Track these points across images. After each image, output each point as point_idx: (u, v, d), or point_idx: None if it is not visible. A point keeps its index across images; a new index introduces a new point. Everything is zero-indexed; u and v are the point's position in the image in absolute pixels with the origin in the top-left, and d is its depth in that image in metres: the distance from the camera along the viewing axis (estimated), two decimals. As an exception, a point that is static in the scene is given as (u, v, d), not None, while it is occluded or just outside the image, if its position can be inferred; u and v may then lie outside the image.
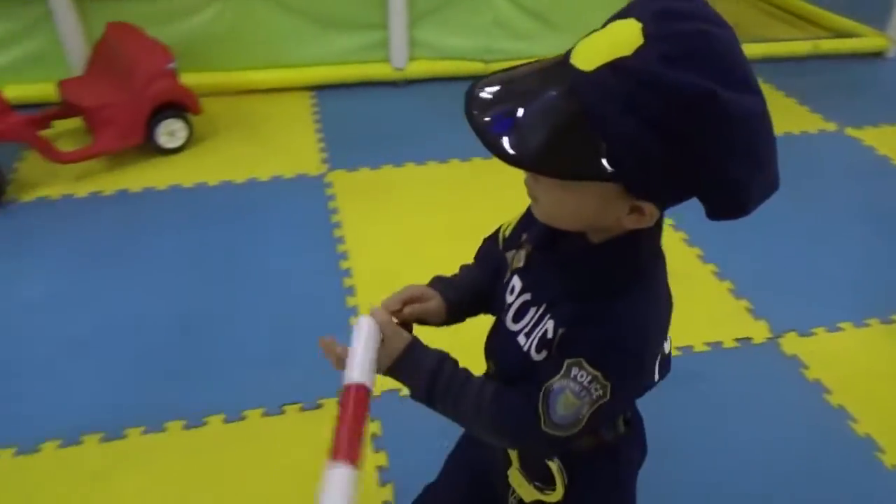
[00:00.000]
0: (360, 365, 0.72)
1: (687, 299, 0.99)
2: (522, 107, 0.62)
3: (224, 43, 3.05)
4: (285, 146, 2.84)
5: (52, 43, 2.89)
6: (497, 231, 0.91)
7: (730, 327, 1.97)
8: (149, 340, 1.89)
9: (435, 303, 0.86)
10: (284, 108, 3.14)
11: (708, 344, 1.92)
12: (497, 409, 0.75)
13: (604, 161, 0.59)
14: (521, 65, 0.67)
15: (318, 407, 1.69)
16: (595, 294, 0.71)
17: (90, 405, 1.69)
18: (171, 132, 2.69)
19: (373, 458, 1.55)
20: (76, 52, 2.90)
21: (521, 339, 0.77)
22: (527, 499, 0.88)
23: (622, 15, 0.62)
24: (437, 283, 0.90)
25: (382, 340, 0.76)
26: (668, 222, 1.76)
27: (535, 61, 0.67)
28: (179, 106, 2.67)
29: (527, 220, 0.83)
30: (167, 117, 2.65)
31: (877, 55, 3.88)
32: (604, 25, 0.63)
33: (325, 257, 2.19)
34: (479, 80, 0.66)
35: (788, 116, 3.15)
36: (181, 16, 2.94)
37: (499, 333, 0.82)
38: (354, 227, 2.33)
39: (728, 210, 0.65)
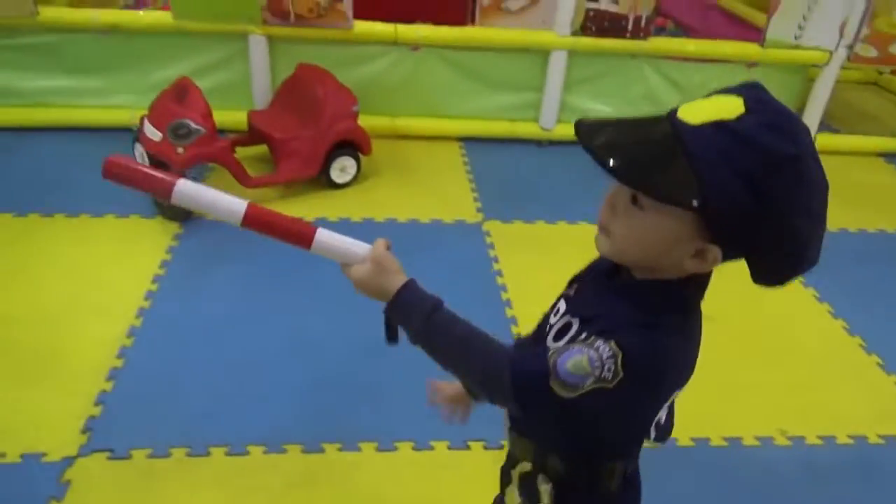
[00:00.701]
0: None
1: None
2: (633, 139, 0.73)
3: (393, 91, 3.25)
4: (441, 191, 2.99)
5: (241, 76, 3.17)
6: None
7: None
8: (337, 361, 2.01)
9: None
10: (437, 154, 3.31)
11: (882, 437, 1.90)
12: (507, 351, 0.80)
13: (693, 195, 0.69)
14: (631, 117, 0.77)
15: (501, 447, 1.77)
16: (629, 314, 0.77)
17: (289, 417, 1.81)
18: (342, 168, 2.88)
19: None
20: (261, 86, 3.16)
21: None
22: None
23: (725, 92, 0.73)
24: None
25: (379, 269, 0.87)
26: (811, 293, 1.77)
27: (647, 115, 0.77)
28: (354, 145, 2.86)
29: (581, 271, 0.92)
30: (341, 154, 2.85)
31: None
32: (707, 96, 0.74)
33: (489, 303, 2.30)
34: (592, 120, 0.76)
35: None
36: (360, 62, 3.17)
37: (542, 350, 0.85)
38: (516, 278, 2.43)
39: (782, 269, 0.76)
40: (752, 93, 0.71)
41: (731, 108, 0.69)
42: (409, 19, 3.17)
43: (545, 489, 0.87)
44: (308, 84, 2.81)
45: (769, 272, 0.77)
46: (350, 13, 3.04)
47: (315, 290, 2.31)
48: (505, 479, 0.96)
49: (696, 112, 0.71)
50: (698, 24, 4.22)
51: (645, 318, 0.76)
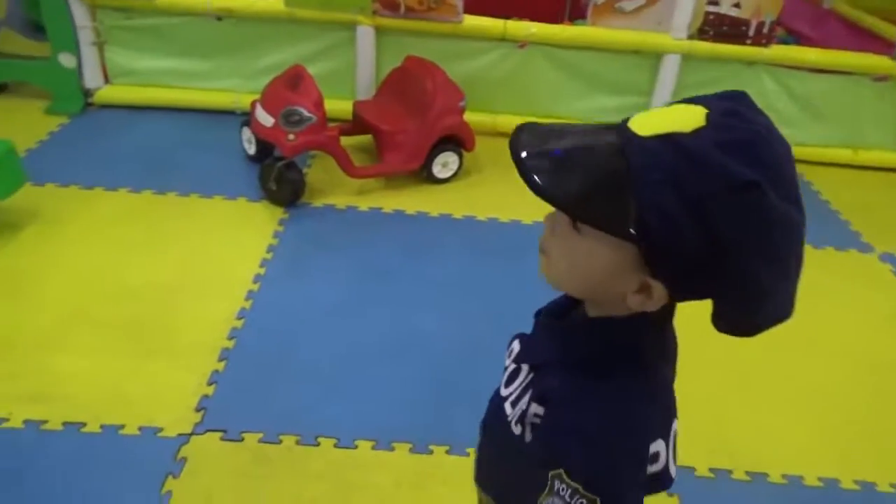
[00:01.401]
0: None
1: None
2: (567, 150, 0.62)
3: (495, 87, 3.20)
4: (542, 193, 2.91)
5: (345, 65, 3.17)
6: None
7: None
8: (443, 360, 1.97)
9: None
10: (537, 155, 3.23)
11: None
12: None
13: (630, 222, 0.59)
14: (578, 125, 0.68)
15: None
16: (582, 367, 0.68)
17: (397, 413, 1.78)
18: (444, 163, 2.84)
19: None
20: (365, 76, 3.16)
21: (508, 407, 0.76)
22: None
23: (690, 101, 0.62)
24: None
25: None
26: None
27: (592, 124, 0.68)
28: (458, 141, 2.82)
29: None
30: (445, 150, 2.81)
31: None
32: (670, 104, 0.64)
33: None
34: (528, 124, 0.66)
35: None
36: (465, 57, 3.13)
37: (493, 399, 0.82)
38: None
39: (740, 318, 0.64)
40: (723, 104, 0.61)
41: (689, 119, 0.59)
42: (503, 15, 3.10)
43: None
44: (417, 77, 2.78)
45: (726, 321, 0.65)
46: (461, 7, 3.00)
47: (420, 284, 2.28)
48: None
49: (649, 122, 0.61)
50: (812, 31, 4.02)
51: (598, 372, 0.68)
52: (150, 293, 2.11)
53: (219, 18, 3.11)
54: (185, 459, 1.60)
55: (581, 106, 3.30)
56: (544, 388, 0.71)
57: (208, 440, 1.66)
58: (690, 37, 3.07)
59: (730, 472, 1.73)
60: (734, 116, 0.60)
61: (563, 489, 0.65)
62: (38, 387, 1.75)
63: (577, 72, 3.22)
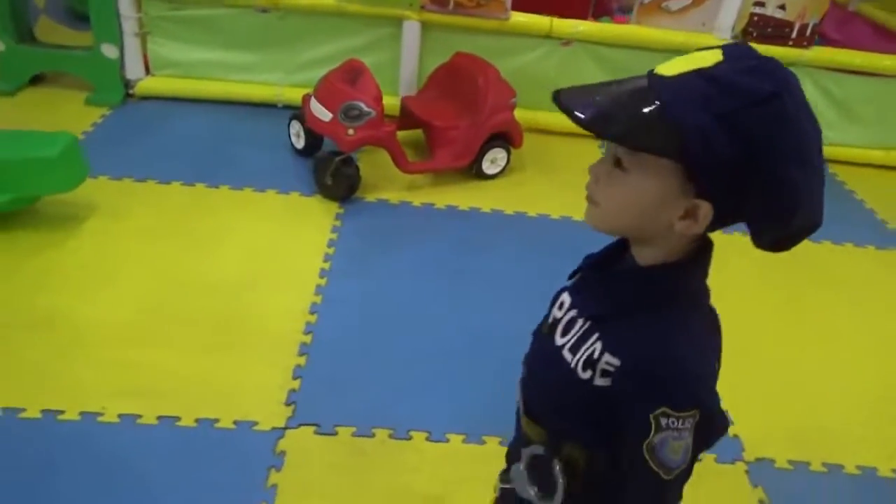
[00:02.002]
0: None
1: None
2: (607, 96, 0.72)
3: (537, 84, 3.19)
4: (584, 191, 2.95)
5: (389, 59, 3.17)
6: None
7: None
8: (508, 356, 2.00)
9: None
10: (578, 152, 3.21)
11: None
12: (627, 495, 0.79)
13: (674, 144, 0.67)
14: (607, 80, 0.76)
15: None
16: (647, 311, 0.75)
17: (480, 407, 1.80)
18: (493, 160, 2.87)
19: None
20: (409, 71, 3.17)
21: (567, 354, 0.81)
22: (521, 494, 0.90)
23: (710, 48, 0.70)
24: None
25: None
26: None
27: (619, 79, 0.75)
28: (507, 137, 2.85)
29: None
30: (495, 146, 2.83)
31: None
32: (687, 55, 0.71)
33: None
34: (564, 88, 0.74)
35: None
36: (508, 54, 3.15)
37: (542, 346, 0.87)
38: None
39: (780, 229, 0.71)
40: (733, 46, 0.70)
41: (707, 58, 0.68)
42: (531, 11, 3.11)
43: (559, 472, 0.85)
44: (468, 73, 2.80)
45: (768, 232, 0.73)
46: (509, 4, 3.01)
47: (481, 279, 2.31)
48: (514, 457, 0.94)
49: (673, 66, 0.70)
50: (837, 33, 4.07)
51: (675, 329, 0.75)
52: (222, 288, 2.12)
53: (264, 10, 3.10)
54: (284, 453, 1.62)
55: (621, 104, 3.33)
56: (615, 340, 0.77)
57: (303, 434, 1.68)
58: (734, 37, 3.11)
59: (808, 463, 1.78)
60: (744, 51, 0.69)
61: (671, 423, 0.73)
62: (128, 381, 1.76)
63: (618, 70, 3.24)
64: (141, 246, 2.27)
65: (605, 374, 0.77)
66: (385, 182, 2.78)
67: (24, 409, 1.66)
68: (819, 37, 3.83)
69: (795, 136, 0.67)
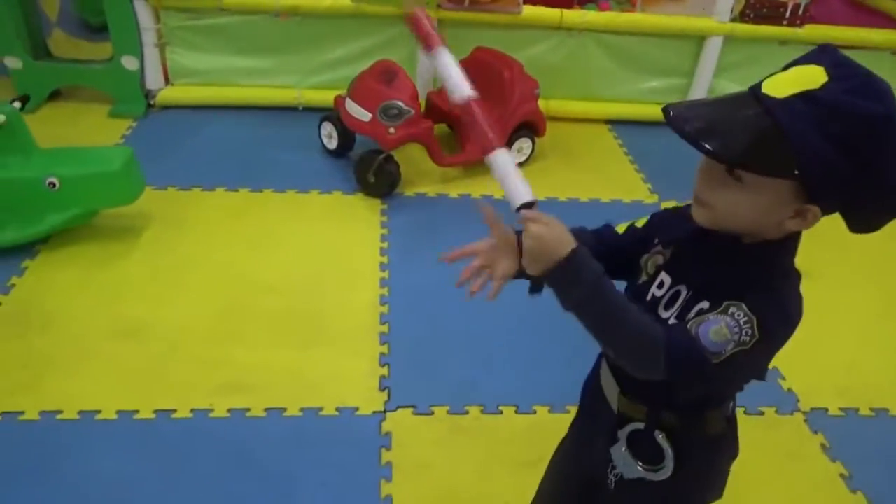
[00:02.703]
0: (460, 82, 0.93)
1: None
2: (724, 120, 0.76)
3: (548, 73, 3.34)
4: (608, 173, 3.11)
5: (406, 57, 3.26)
6: (607, 226, 1.02)
7: None
8: (574, 327, 2.14)
9: None
10: (591, 137, 3.42)
11: None
12: (657, 328, 0.81)
13: (792, 165, 0.73)
14: (714, 98, 0.83)
15: (760, 414, 1.91)
16: (750, 280, 0.81)
17: (557, 380, 1.93)
18: (520, 149, 3.00)
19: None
20: (426, 68, 3.26)
21: (673, 321, 0.86)
22: (628, 475, 0.96)
23: (802, 62, 0.77)
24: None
25: (556, 224, 0.83)
26: None
27: (726, 94, 0.81)
28: (532, 127, 2.98)
29: (656, 226, 0.96)
30: (521, 136, 2.96)
31: None
32: (785, 69, 0.77)
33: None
34: (677, 104, 0.80)
35: None
36: (521, 46, 3.27)
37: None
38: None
39: (876, 219, 0.80)
40: (829, 58, 0.75)
41: (813, 77, 0.73)
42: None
43: (663, 440, 0.93)
44: (493, 67, 2.91)
45: (866, 222, 0.81)
46: (521, -2, 3.14)
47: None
48: (606, 440, 0.99)
49: (781, 86, 0.74)
50: (816, 10, 4.27)
51: (766, 283, 0.82)
52: (290, 286, 2.22)
53: (279, 15, 3.17)
54: (390, 434, 1.74)
55: (630, 88, 3.49)
56: (717, 295, 0.82)
57: (403, 416, 1.80)
58: (732, 20, 3.28)
59: (856, 409, 1.97)
60: (845, 67, 0.74)
61: (738, 314, 0.79)
62: (226, 378, 1.86)
63: (626, 56, 3.40)
64: (202, 251, 2.34)
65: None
66: (419, 177, 2.89)
67: (137, 411, 1.74)
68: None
69: None
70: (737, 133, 0.74)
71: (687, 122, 0.76)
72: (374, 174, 2.66)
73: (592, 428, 1.06)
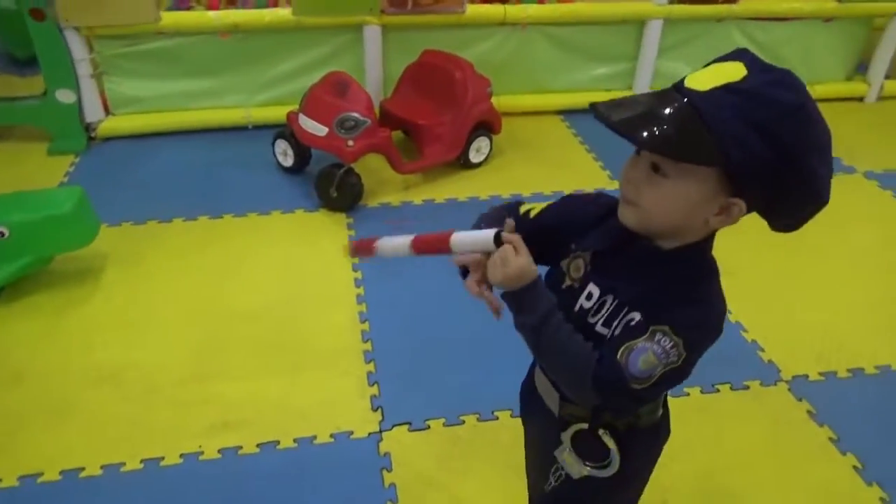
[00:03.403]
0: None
1: None
2: (650, 113, 0.78)
3: (497, 69, 3.34)
4: (566, 164, 3.13)
5: (353, 65, 3.21)
6: (517, 207, 1.02)
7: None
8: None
9: None
10: (544, 128, 3.44)
11: None
12: (590, 356, 0.85)
13: (717, 154, 0.75)
14: (638, 94, 0.84)
15: (746, 388, 1.95)
16: (675, 292, 0.84)
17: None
18: (478, 148, 3.00)
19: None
20: (375, 74, 3.24)
21: (600, 328, 0.89)
22: (575, 475, 1.00)
23: (722, 60, 0.79)
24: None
25: (501, 259, 0.85)
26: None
27: (650, 91, 0.87)
28: (488, 125, 2.98)
29: (569, 224, 0.95)
30: (478, 135, 2.96)
31: None
32: (706, 66, 0.80)
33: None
34: (606, 101, 0.81)
35: None
36: (470, 44, 3.26)
37: (574, 325, 0.89)
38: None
39: (799, 211, 0.82)
40: (748, 57, 0.78)
41: (734, 72, 0.76)
42: None
43: (608, 439, 0.96)
44: (443, 70, 2.90)
45: (789, 217, 0.83)
46: (464, -3, 3.13)
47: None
48: (552, 444, 1.02)
49: (703, 80, 0.77)
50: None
51: (690, 293, 0.84)
52: (266, 313, 2.16)
53: (223, 35, 3.09)
54: (389, 454, 1.72)
55: (578, 77, 3.52)
56: (656, 311, 0.83)
57: (399, 434, 1.78)
58: (671, 2, 3.34)
59: (834, 372, 2.03)
60: (762, 63, 0.77)
61: (664, 340, 0.81)
62: (212, 416, 1.80)
63: (572, 47, 3.43)
64: (169, 286, 2.27)
65: (626, 327, 0.86)
66: (380, 186, 2.85)
67: (123, 464, 1.67)
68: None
69: (818, 136, 0.78)
70: (662, 124, 0.76)
71: (614, 114, 0.78)
72: (336, 189, 2.62)
73: (534, 431, 1.11)
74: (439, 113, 2.86)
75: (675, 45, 3.51)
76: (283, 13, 3.05)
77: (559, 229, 0.96)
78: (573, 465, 0.99)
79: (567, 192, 2.93)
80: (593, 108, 0.79)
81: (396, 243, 0.99)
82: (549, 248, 0.95)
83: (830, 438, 1.82)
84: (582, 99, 3.54)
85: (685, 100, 0.77)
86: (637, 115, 0.78)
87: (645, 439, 1.01)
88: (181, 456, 1.70)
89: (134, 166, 2.98)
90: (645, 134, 0.76)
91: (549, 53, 3.43)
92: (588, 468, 0.98)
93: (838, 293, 2.38)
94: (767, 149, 0.75)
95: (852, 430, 1.84)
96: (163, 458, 1.69)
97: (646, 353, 0.82)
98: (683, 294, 0.84)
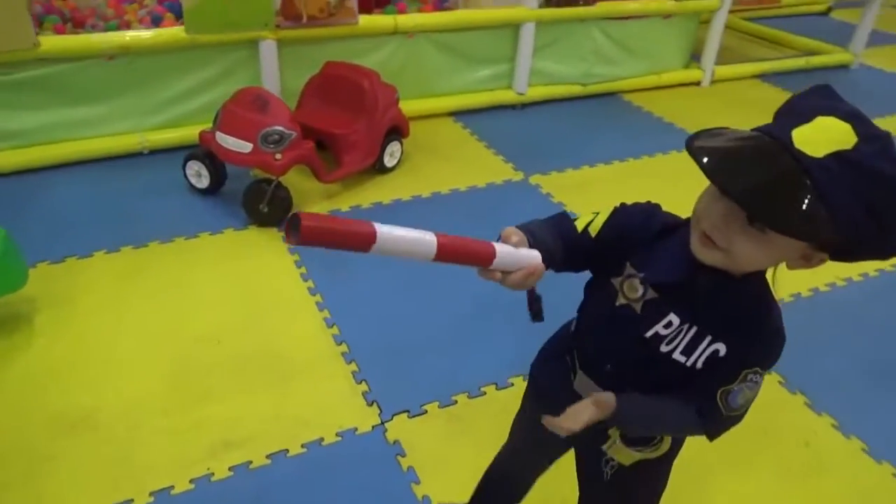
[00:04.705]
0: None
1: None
2: (757, 171, 0.75)
3: (395, 76, 3.47)
4: (471, 161, 3.34)
5: (250, 81, 3.20)
6: (569, 222, 0.99)
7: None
8: (514, 304, 2.34)
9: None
10: (441, 130, 3.63)
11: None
12: (695, 418, 0.94)
13: (827, 231, 0.74)
14: (730, 132, 0.82)
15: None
16: (749, 313, 0.89)
17: (513, 353, 2.12)
18: (391, 153, 3.12)
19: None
20: (272, 89, 3.22)
21: (679, 357, 0.92)
22: (626, 462, 1.05)
23: (821, 111, 0.76)
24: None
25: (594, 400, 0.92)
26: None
27: (740, 131, 0.81)
28: (398, 130, 3.11)
29: (623, 239, 0.94)
30: (391, 140, 3.08)
31: (844, 66, 5.00)
32: (808, 120, 0.76)
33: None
34: (704, 144, 0.79)
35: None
36: (363, 54, 3.37)
37: (637, 349, 0.94)
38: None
39: (867, 259, 0.82)
40: (847, 111, 0.76)
41: (844, 137, 0.74)
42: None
43: None
44: (349, 80, 2.98)
45: (856, 259, 0.82)
46: (356, 9, 3.22)
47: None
48: (600, 439, 1.06)
49: (815, 142, 0.74)
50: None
51: (766, 317, 0.89)
52: (231, 333, 2.14)
53: (110, 58, 2.95)
54: (398, 441, 1.80)
55: (464, 79, 3.75)
56: (730, 342, 0.90)
57: (401, 422, 1.87)
58: (541, 6, 3.67)
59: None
60: (862, 122, 0.75)
61: (755, 377, 0.91)
62: (213, 438, 1.78)
63: (456, 51, 3.65)
64: (114, 320, 2.17)
65: (711, 360, 0.91)
66: (303, 198, 2.88)
67: (132, 500, 1.62)
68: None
69: None
70: (779, 194, 0.73)
71: (724, 173, 0.76)
72: (267, 204, 2.62)
73: (592, 431, 1.06)
74: (353, 122, 2.94)
75: (546, 45, 3.85)
76: (175, 32, 2.97)
77: (615, 246, 0.95)
78: (625, 455, 1.05)
79: (481, 186, 3.21)
80: (693, 154, 0.77)
81: (411, 239, 0.76)
82: (603, 263, 0.97)
83: (806, 403, 2.08)
84: (470, 100, 3.79)
85: (800, 165, 0.74)
86: (747, 174, 0.75)
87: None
88: (191, 481, 1.67)
89: (29, 205, 2.76)
90: (763, 203, 0.73)
91: (437, 59, 3.62)
92: (640, 453, 1.04)
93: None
94: (872, 223, 0.75)
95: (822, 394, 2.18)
96: (172, 487, 1.65)
97: (742, 392, 0.90)
98: (761, 319, 0.89)
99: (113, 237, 2.56)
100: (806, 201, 0.73)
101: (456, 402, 1.94)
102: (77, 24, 3.28)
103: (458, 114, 3.78)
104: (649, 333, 0.93)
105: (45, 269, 2.39)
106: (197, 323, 2.18)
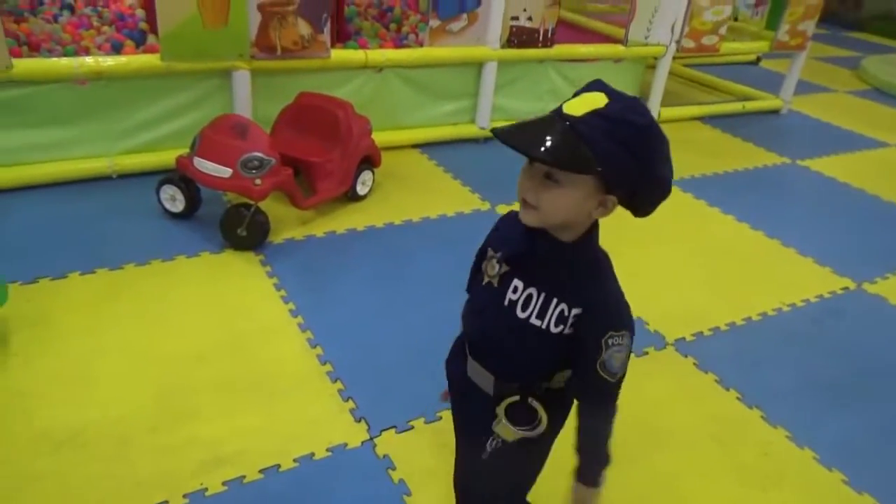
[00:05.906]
0: None
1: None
2: (544, 135, 0.97)
3: (364, 108, 3.57)
4: (439, 191, 3.46)
5: (221, 110, 3.24)
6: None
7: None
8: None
9: None
10: (407, 161, 3.75)
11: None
12: (601, 409, 1.15)
13: (593, 164, 0.96)
14: (528, 119, 1.01)
15: (645, 354, 2.39)
16: (583, 277, 1.08)
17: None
18: (364, 181, 3.21)
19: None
20: (248, 115, 3.29)
21: (535, 321, 1.09)
22: (510, 439, 1.17)
23: (586, 90, 1.00)
24: None
25: None
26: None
27: (536, 116, 1.01)
28: (371, 160, 3.21)
29: (494, 235, 1.19)
30: (364, 169, 3.17)
31: (775, 111, 5.40)
32: (576, 95, 1.00)
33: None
34: (504, 126, 1.00)
35: (751, 154, 4.43)
36: (334, 86, 3.47)
37: (502, 324, 1.13)
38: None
39: (651, 204, 1.05)
40: (605, 87, 0.99)
41: (598, 100, 0.97)
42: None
43: (537, 404, 1.17)
44: (324, 110, 3.07)
45: (644, 208, 1.05)
46: (328, 43, 3.33)
47: (420, 275, 2.67)
48: (488, 419, 1.19)
49: (577, 107, 0.97)
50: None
51: (598, 275, 1.09)
52: (215, 353, 2.16)
53: (83, 83, 2.95)
54: (388, 455, 1.86)
55: (429, 114, 3.89)
56: (573, 296, 1.07)
57: (389, 437, 1.93)
58: (502, 46, 3.86)
59: (701, 332, 2.57)
60: (616, 93, 0.99)
61: (617, 340, 1.07)
62: (205, 454, 1.80)
63: (422, 87, 3.80)
64: (94, 340, 2.16)
65: (571, 324, 1.08)
66: (278, 223, 2.92)
67: (127, 517, 1.62)
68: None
69: (664, 147, 1.01)
70: (554, 142, 0.95)
71: (515, 138, 0.97)
72: (245, 228, 2.66)
73: (469, 410, 1.31)
74: (328, 150, 3.03)
75: (508, 82, 4.04)
76: (150, 59, 3.00)
77: (486, 248, 1.19)
78: (509, 433, 1.16)
79: (450, 215, 3.32)
80: (496, 133, 0.98)
81: None
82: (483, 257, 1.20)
83: (715, 381, 2.32)
84: (435, 133, 3.93)
85: (567, 124, 0.97)
86: (532, 136, 0.97)
87: (560, 398, 1.20)
88: (185, 496, 1.68)
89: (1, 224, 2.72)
90: (542, 150, 0.95)
91: (403, 93, 3.76)
92: (522, 431, 1.16)
93: (683, 272, 2.98)
94: (629, 158, 0.96)
95: (728, 371, 2.36)
96: (167, 503, 1.66)
97: (613, 357, 1.06)
98: (596, 283, 1.08)
99: (86, 259, 2.55)
100: (577, 147, 0.95)
101: (441, 417, 2.01)
102: (33, 48, 3.23)
103: (423, 146, 3.90)
104: (506, 302, 1.12)
105: (19, 290, 2.35)
106: (180, 343, 2.19)
